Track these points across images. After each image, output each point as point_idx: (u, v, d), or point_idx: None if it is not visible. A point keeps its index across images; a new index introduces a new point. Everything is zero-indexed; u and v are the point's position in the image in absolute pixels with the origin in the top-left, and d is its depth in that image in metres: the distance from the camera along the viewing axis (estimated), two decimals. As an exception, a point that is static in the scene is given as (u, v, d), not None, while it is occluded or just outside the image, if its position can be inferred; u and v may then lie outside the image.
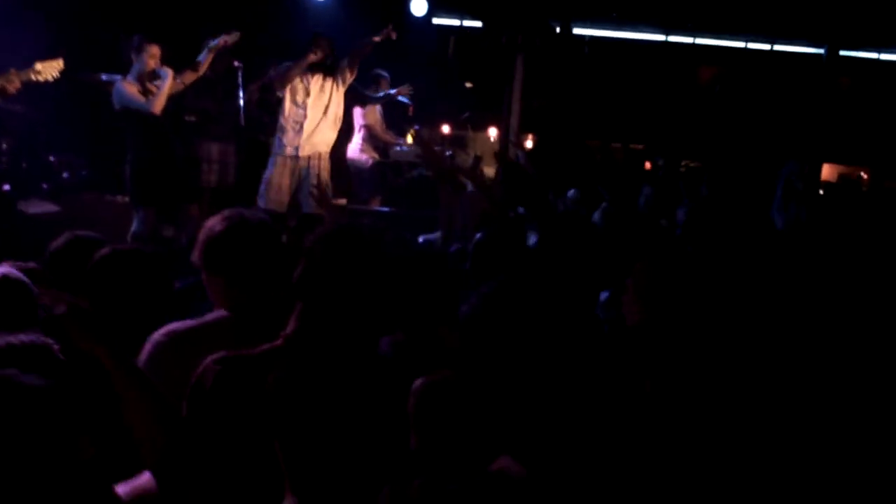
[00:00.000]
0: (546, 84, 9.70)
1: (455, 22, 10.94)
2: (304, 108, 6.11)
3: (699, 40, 10.86)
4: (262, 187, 6.14)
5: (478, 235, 3.23)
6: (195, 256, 2.26)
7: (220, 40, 5.89)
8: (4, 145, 6.38)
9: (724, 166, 7.94)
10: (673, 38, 10.89)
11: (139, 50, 5.69)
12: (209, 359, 1.82)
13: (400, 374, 1.71)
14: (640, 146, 10.45)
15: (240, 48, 6.73)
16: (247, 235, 2.21)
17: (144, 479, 1.58)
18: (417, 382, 1.62)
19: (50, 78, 4.96)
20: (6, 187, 5.98)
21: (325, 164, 6.27)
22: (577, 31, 9.93)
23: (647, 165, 9.56)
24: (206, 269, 2.24)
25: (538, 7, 8.52)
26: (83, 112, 6.88)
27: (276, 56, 7.27)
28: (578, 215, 4.39)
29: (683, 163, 9.23)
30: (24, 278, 2.24)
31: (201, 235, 2.26)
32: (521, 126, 9.27)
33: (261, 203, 6.08)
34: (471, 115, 9.33)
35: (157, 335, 2.15)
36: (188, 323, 2.20)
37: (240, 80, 6.98)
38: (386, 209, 7.54)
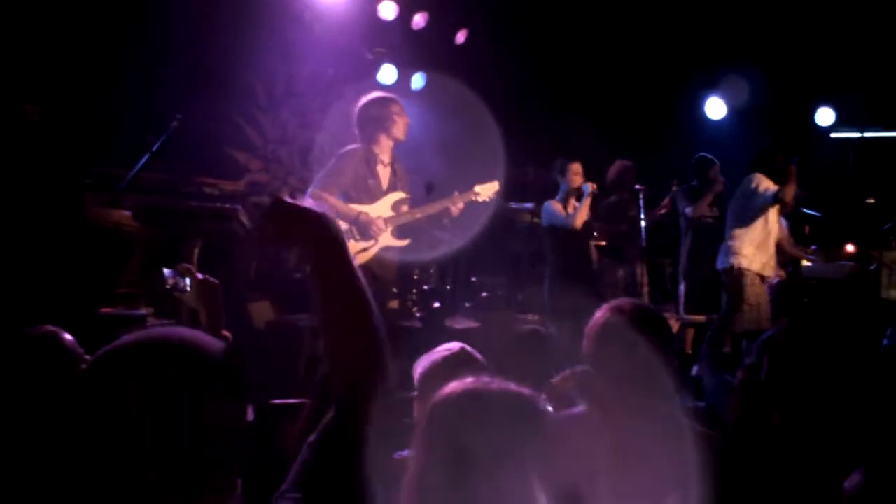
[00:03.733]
0: None
1: (855, 134, 10.15)
2: None
3: None
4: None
5: None
6: (586, 347, 2.39)
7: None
8: (433, 269, 7.09)
9: None
10: None
11: (563, 171, 6.13)
12: None
13: None
14: None
15: (642, 172, 6.89)
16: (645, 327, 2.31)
17: None
18: None
19: (487, 199, 5.28)
20: (436, 304, 6.60)
21: None
22: None
23: None
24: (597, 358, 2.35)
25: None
26: (499, 238, 7.45)
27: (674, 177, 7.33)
28: None
29: None
30: None
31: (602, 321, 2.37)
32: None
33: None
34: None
35: None
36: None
37: (641, 202, 7.10)
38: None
